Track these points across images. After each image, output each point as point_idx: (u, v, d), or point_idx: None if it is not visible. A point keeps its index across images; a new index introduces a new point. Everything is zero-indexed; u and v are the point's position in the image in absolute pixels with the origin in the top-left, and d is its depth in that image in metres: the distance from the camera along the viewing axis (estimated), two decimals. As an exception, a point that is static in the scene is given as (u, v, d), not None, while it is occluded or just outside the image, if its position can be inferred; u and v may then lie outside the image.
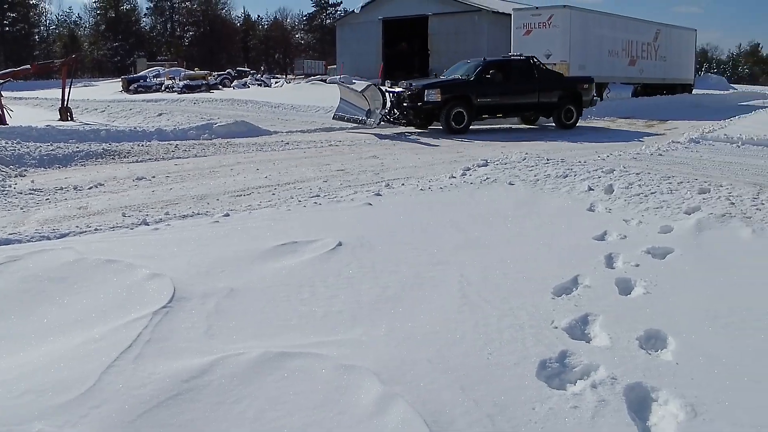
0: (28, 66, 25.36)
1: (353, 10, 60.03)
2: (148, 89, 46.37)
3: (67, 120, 21.18)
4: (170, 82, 47.38)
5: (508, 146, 15.60)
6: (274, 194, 9.28)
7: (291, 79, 64.15)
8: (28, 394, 3.45)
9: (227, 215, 7.48)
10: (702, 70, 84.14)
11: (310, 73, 69.00)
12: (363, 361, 3.80)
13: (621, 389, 3.57)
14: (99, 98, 33.78)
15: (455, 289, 5.08)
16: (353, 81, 27.23)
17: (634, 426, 3.28)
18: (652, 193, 8.55)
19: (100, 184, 10.00)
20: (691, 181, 9.47)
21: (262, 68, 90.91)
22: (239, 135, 16.80)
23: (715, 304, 4.82)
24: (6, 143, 12.86)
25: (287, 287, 5.03)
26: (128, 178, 10.61)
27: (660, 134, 19.77)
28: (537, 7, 33.09)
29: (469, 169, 10.41)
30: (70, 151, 12.89)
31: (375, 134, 18.25)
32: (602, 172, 9.97)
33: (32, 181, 10.19)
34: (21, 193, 9.23)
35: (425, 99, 18.72)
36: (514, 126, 21.86)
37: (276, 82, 53.84)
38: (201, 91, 42.34)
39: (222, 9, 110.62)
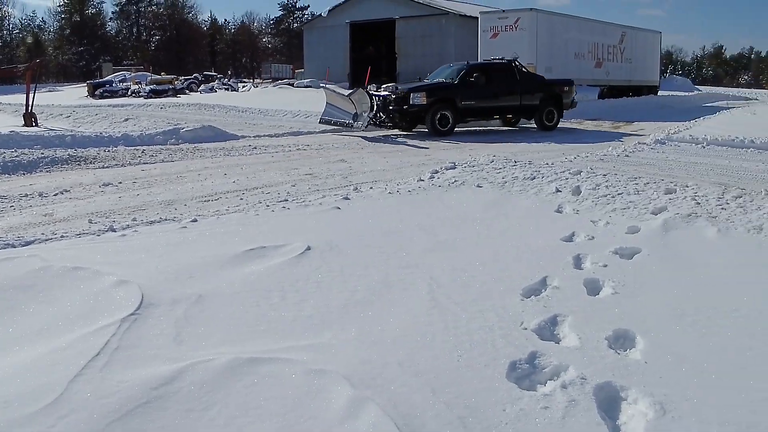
0: (-9, 71, 25.07)
1: (320, 14, 60.09)
2: (114, 94, 45.97)
3: (32, 126, 20.91)
4: (136, 86, 46.97)
5: (477, 148, 15.68)
6: (242, 199, 9.24)
7: (258, 83, 63.98)
8: (-7, 404, 3.40)
9: (195, 221, 7.43)
10: (667, 72, 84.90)
11: (278, 77, 68.85)
12: (333, 366, 3.78)
13: (591, 389, 3.59)
14: (64, 103, 33.54)
15: (424, 291, 5.08)
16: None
17: (604, 425, 3.30)
18: (619, 194, 8.61)
19: (66, 191, 9.90)
20: (657, 182, 9.56)
21: (229, 72, 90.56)
22: (207, 140, 16.71)
23: (682, 303, 4.85)
24: (-31, 150, 12.70)
25: (256, 292, 5.00)
26: (94, 184, 10.52)
27: (627, 135, 19.93)
28: (504, 10, 33.28)
29: (437, 171, 10.43)
30: (35, 157, 12.75)
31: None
32: (569, 173, 10.03)
33: (-3, 188, 10.08)
34: (-15, 200, 9.12)
35: (411, 102, 19.10)
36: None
37: (243, 87, 53.64)
38: (168, 96, 42.12)
39: (188, 13, 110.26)
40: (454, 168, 10.71)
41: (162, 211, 8.49)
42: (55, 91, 56.37)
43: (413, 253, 6.09)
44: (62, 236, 6.92)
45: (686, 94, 44.53)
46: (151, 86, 45.51)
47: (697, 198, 8.39)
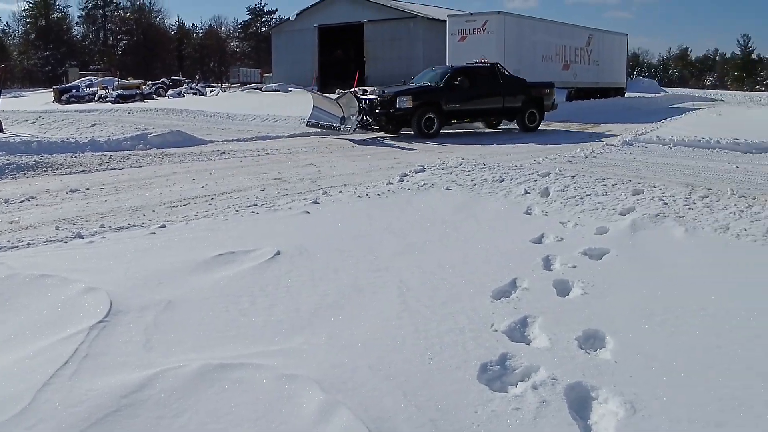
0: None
1: (288, 18, 59.95)
2: (80, 99, 45.55)
3: (-3, 132, 20.75)
4: (103, 91, 46.57)
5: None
6: (210, 204, 9.19)
7: (226, 87, 63.76)
8: (-41, 414, 3.36)
9: (164, 226, 7.38)
10: (634, 74, 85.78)
11: (246, 81, 68.73)
12: (304, 370, 3.77)
13: (561, 389, 3.60)
14: (30, 109, 33.14)
15: (394, 295, 5.08)
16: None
17: (576, 425, 3.31)
18: (587, 195, 8.67)
19: (33, 197, 9.80)
20: (625, 183, 9.63)
21: (197, 77, 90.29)
22: (175, 145, 16.62)
23: (651, 303, 4.89)
24: (-67, 157, 12.55)
25: (226, 298, 4.98)
26: (61, 190, 10.42)
27: (595, 136, 20.08)
28: (472, 14, 33.34)
29: (406, 175, 10.43)
30: (0, 163, 12.61)
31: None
32: (538, 175, 10.07)
33: (-39, 196, 9.96)
34: (-50, 208, 9.01)
35: (397, 105, 19.42)
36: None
37: (211, 91, 53.44)
38: (135, 101, 41.78)
39: (156, 17, 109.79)
40: (423, 171, 10.72)
41: (130, 217, 8.42)
42: (20, 96, 55.80)
43: (383, 257, 6.09)
44: (29, 243, 6.84)
45: (653, 95, 44.86)
46: (119, 91, 45.12)
47: (664, 198, 8.46)
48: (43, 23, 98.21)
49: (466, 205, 8.39)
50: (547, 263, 5.94)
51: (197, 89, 52.68)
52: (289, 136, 19.42)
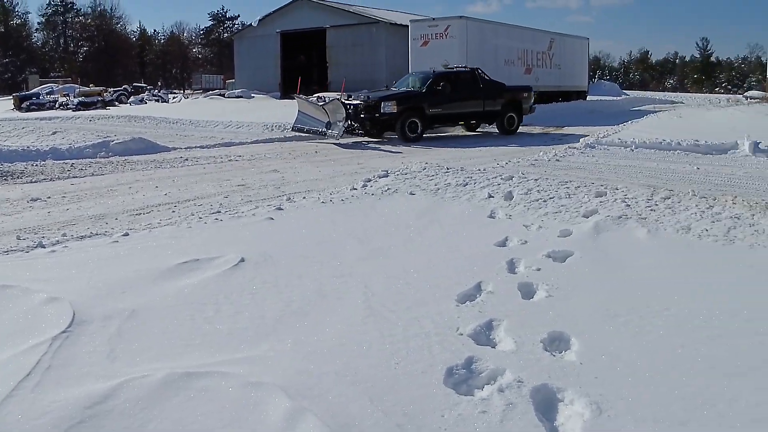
0: None
1: (251, 24, 59.82)
2: (41, 107, 44.97)
3: (-44, 141, 20.46)
4: (64, 99, 46.09)
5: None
6: (174, 212, 9.14)
7: (189, 94, 63.50)
8: None
9: (127, 234, 7.32)
10: (595, 77, 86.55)
11: (209, 87, 68.54)
12: (270, 377, 3.76)
13: (528, 392, 3.62)
14: (-11, 118, 32.78)
15: (360, 300, 5.07)
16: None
17: (542, 427, 3.32)
18: (550, 198, 8.71)
19: (-7, 207, 9.69)
20: (588, 185, 9.69)
21: (160, 83, 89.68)
22: (137, 152, 16.50)
23: (615, 304, 4.92)
24: None
25: (190, 306, 4.94)
26: (22, 199, 10.30)
27: (558, 139, 20.21)
28: (434, 18, 33.51)
29: (369, 180, 10.43)
30: (-40, 173, 12.46)
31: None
32: (501, 179, 10.11)
33: None
34: None
35: (382, 110, 19.90)
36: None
37: (174, 98, 53.19)
38: (97, 108, 41.37)
39: (117, 23, 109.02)
40: (387, 176, 10.72)
41: (93, 225, 8.35)
42: (-21, 104, 55.11)
43: (347, 262, 6.08)
44: (-11, 253, 6.77)
45: (614, 98, 45.31)
46: (80, 98, 44.69)
47: (627, 200, 8.53)
48: (2, 30, 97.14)
49: (430, 209, 8.40)
50: (512, 266, 5.96)
51: (159, 96, 52.40)
52: (252, 143, 19.35)
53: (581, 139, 17.58)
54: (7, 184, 12.05)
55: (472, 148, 18.19)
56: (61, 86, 55.75)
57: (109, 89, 52.64)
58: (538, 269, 5.82)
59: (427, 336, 4.36)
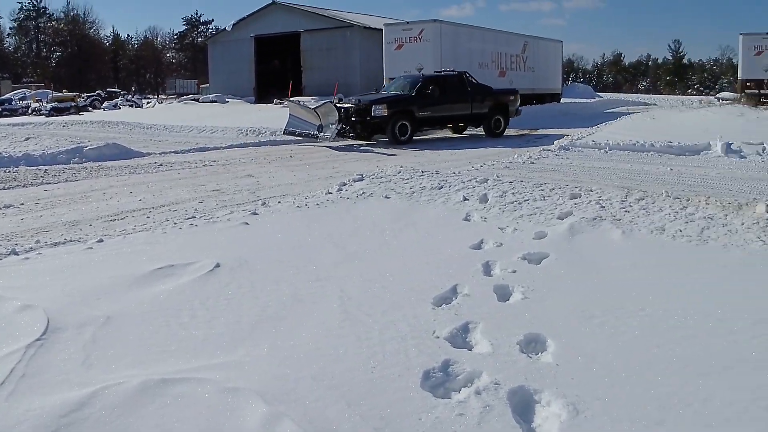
0: None
1: (225, 28, 59.66)
2: (13, 113, 44.61)
3: (-73, 148, 20.25)
4: (37, 104, 45.75)
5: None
6: (149, 217, 9.09)
7: (163, 99, 63.24)
8: None
9: (101, 241, 7.27)
10: (569, 80, 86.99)
11: (183, 92, 68.30)
12: (246, 383, 3.74)
13: (504, 394, 3.62)
14: (-40, 124, 32.49)
15: (336, 304, 5.07)
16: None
17: (519, 428, 3.33)
18: (525, 201, 8.74)
19: (-36, 214, 9.59)
20: (562, 187, 9.73)
21: (133, 89, 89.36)
22: (111, 158, 16.38)
23: (590, 305, 4.94)
24: None
25: (166, 312, 4.92)
26: (-6, 206, 10.21)
27: (532, 142, 20.31)
28: (408, 22, 33.59)
29: (345, 184, 10.42)
30: (-69, 180, 12.34)
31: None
32: (476, 182, 10.13)
33: None
34: None
35: (373, 114, 20.23)
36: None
37: (148, 103, 52.98)
38: (70, 114, 41.13)
39: (90, 28, 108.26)
40: (362, 180, 10.72)
41: (67, 232, 8.28)
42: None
43: (323, 266, 6.07)
44: (-39, 261, 6.69)
45: (588, 100, 45.56)
46: (53, 104, 44.35)
47: (601, 202, 8.58)
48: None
49: (405, 213, 8.40)
50: (487, 269, 5.97)
51: (133, 101, 52.20)
52: (226, 148, 19.29)
53: (555, 142, 17.68)
54: (-21, 191, 11.95)
55: (449, 150, 18.22)
56: (33, 92, 55.36)
57: (83, 94, 52.24)
58: (514, 271, 5.84)
59: (403, 339, 4.36)
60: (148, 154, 17.64)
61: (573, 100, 43.53)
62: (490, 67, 34.81)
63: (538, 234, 7.15)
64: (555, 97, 41.63)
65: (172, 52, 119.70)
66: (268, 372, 3.90)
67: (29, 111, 44.43)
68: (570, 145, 16.86)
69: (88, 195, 11.20)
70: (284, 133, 21.41)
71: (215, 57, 58.74)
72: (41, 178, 13.19)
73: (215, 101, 47.46)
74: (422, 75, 23.06)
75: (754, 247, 6.61)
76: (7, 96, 53.47)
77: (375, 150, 18.85)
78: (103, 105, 48.64)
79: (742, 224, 7.41)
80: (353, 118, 20.47)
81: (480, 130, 23.56)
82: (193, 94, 62.73)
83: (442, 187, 9.77)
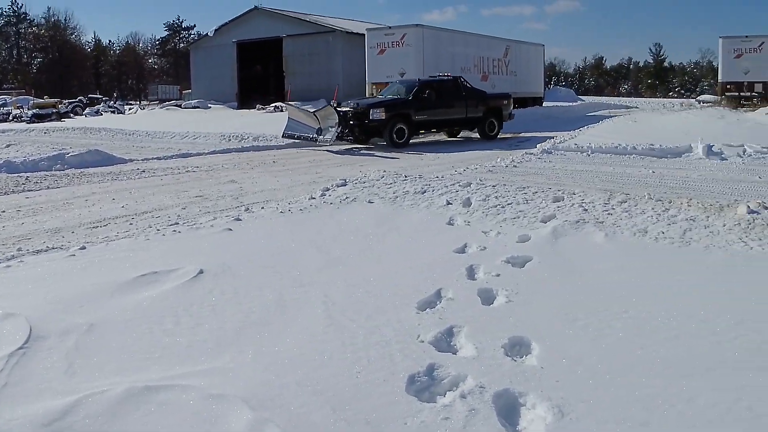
0: None
1: (207, 34, 59.48)
2: (-6, 119, 44.48)
3: None
4: (18, 111, 45.46)
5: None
6: (131, 224, 9.05)
7: (145, 105, 63.06)
8: None
9: (84, 248, 7.23)
10: (551, 84, 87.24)
11: (165, 98, 68.11)
12: (231, 389, 3.73)
13: (490, 397, 3.62)
14: (-59, 132, 32.26)
15: (320, 310, 5.06)
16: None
17: (505, 432, 3.34)
18: (508, 204, 8.76)
19: (-55, 222, 9.53)
20: (545, 191, 9.76)
21: (115, 95, 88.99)
22: (93, 164, 16.30)
23: (574, 308, 4.96)
24: None
25: (149, 319, 4.89)
26: (-25, 214, 10.15)
27: (515, 144, 20.37)
28: (390, 27, 33.60)
29: (328, 189, 10.41)
30: None
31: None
32: (459, 186, 10.15)
33: None
34: None
35: (371, 117, 20.57)
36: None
37: (130, 109, 52.81)
38: (51, 120, 40.87)
39: (71, 34, 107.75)
40: (345, 185, 10.71)
41: (49, 239, 8.24)
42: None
43: (307, 272, 6.06)
44: (-59, 270, 6.65)
45: (570, 104, 45.66)
46: (34, 110, 44.04)
47: (584, 205, 8.61)
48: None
49: (388, 217, 8.41)
50: (471, 273, 5.98)
51: (115, 107, 52.02)
52: (209, 153, 19.24)
53: (538, 145, 17.74)
54: (-41, 199, 11.87)
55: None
56: (14, 98, 54.98)
57: (64, 101, 51.94)
58: (498, 275, 5.85)
59: (388, 344, 4.36)
60: (131, 160, 17.56)
61: (555, 103, 43.62)
62: (472, 71, 34.82)
63: (522, 237, 7.17)
64: (537, 101, 41.71)
65: (154, 58, 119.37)
66: (253, 378, 3.89)
67: (10, 118, 44.09)
68: (552, 149, 16.93)
69: (71, 202, 11.15)
70: (283, 137, 21.61)
71: (197, 63, 58.63)
72: (23, 186, 13.11)
73: (198, 107, 47.41)
74: (418, 79, 23.35)
75: (735, 249, 6.66)
76: (-14, 103, 53.17)
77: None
78: (85, 111, 48.38)
79: (724, 226, 7.46)
80: (351, 122, 20.70)
81: (473, 134, 23.93)
82: (176, 99, 62.58)
83: (425, 192, 9.78)
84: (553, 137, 19.87)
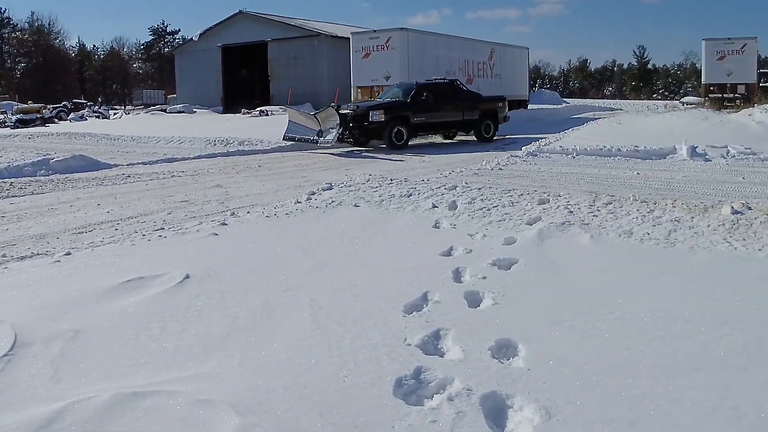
0: None
1: (192, 38, 59.39)
2: (-23, 126, 44.26)
3: None
4: (2, 116, 45.36)
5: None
6: (117, 229, 9.01)
7: (130, 110, 62.86)
8: None
9: (69, 254, 7.20)
10: (536, 86, 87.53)
11: (150, 103, 67.98)
12: (218, 394, 3.72)
13: (477, 399, 3.63)
14: (-76, 138, 32.08)
15: (306, 314, 5.05)
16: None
17: (492, 434, 3.35)
18: (494, 207, 8.78)
19: (-71, 229, 9.47)
20: (531, 193, 9.79)
21: (100, 100, 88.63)
22: (78, 170, 16.23)
23: (560, 309, 4.97)
24: None
25: (135, 324, 4.88)
26: (-41, 220, 10.09)
27: (500, 147, 20.41)
28: (375, 31, 33.67)
29: (314, 193, 10.41)
30: None
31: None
32: (445, 189, 10.16)
33: None
34: None
35: (371, 119, 20.97)
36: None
37: (114, 114, 52.61)
38: (36, 126, 40.74)
39: (55, 39, 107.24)
40: (331, 188, 10.71)
41: (33, 245, 8.20)
42: None
43: (293, 276, 6.06)
44: (-75, 277, 6.61)
45: (555, 106, 45.80)
46: (18, 115, 43.92)
47: (569, 207, 8.63)
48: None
49: (374, 221, 8.41)
50: (457, 275, 5.99)
51: (100, 112, 51.78)
52: (194, 158, 19.18)
53: (523, 148, 17.79)
54: (-57, 205, 11.81)
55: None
56: (-2, 103, 54.77)
57: (48, 106, 51.73)
58: (484, 277, 5.86)
59: (375, 347, 4.36)
60: (116, 165, 17.50)
61: (540, 106, 43.75)
62: (457, 74, 34.80)
63: (508, 240, 7.18)
64: (522, 104, 41.77)
65: (138, 63, 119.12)
66: (240, 383, 3.88)
67: (-6, 123, 43.97)
68: (538, 151, 16.98)
69: (55, 207, 11.10)
70: (283, 139, 21.77)
71: (182, 67, 58.51)
72: (7, 191, 13.04)
73: (183, 111, 47.27)
74: (416, 82, 23.52)
75: (720, 249, 6.69)
76: (-29, 109, 52.93)
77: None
78: (70, 116, 48.21)
79: (708, 226, 7.50)
80: (351, 124, 20.96)
81: (469, 136, 24.25)
82: (161, 104, 62.46)
83: (411, 195, 9.79)
84: (538, 140, 19.88)
